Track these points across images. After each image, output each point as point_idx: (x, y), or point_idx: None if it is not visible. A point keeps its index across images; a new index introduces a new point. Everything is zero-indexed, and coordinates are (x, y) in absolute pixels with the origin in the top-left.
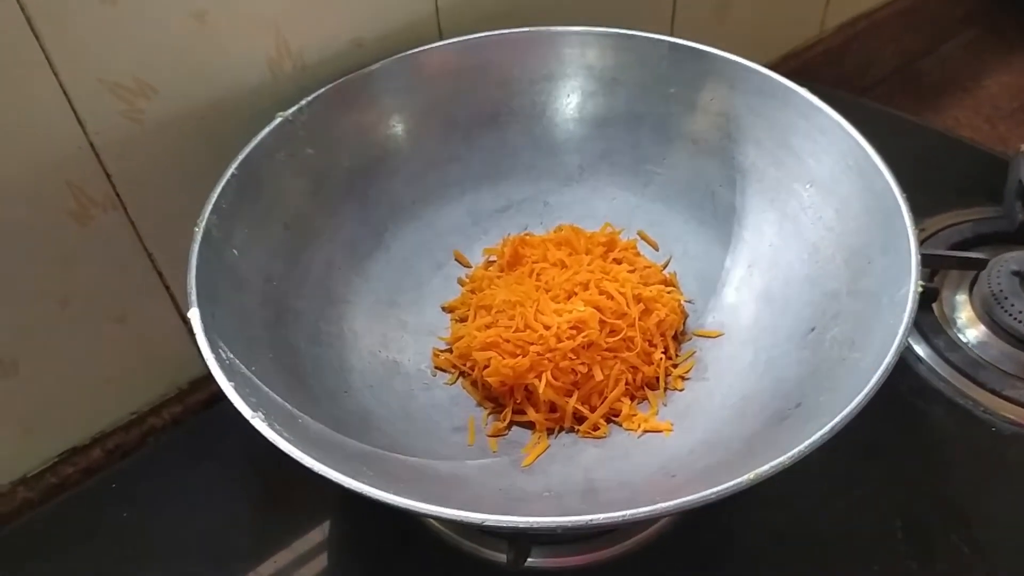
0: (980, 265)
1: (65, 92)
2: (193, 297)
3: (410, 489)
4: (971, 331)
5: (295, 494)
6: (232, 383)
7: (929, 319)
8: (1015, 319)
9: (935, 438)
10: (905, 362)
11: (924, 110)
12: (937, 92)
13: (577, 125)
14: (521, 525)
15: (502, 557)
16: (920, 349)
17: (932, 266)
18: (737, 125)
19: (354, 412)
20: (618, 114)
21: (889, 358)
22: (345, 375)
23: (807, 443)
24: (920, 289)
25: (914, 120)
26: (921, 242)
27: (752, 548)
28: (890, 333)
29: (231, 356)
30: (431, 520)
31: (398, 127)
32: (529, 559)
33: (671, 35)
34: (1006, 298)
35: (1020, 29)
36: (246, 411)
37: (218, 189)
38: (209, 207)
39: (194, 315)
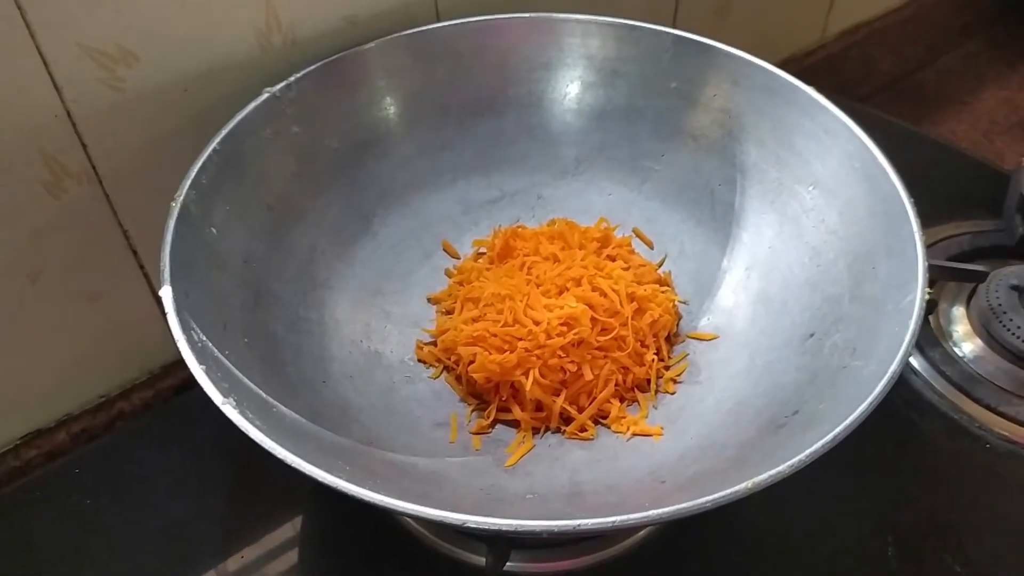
0: (980, 278)
1: (42, 56)
2: (166, 274)
3: (388, 486)
4: (967, 345)
5: (266, 488)
6: (203, 367)
7: (925, 331)
8: (1013, 334)
9: (929, 452)
10: (900, 374)
11: (922, 122)
12: (935, 104)
13: (575, 117)
14: (505, 528)
15: (481, 560)
16: (915, 361)
17: (931, 277)
18: (739, 123)
19: (333, 403)
20: (617, 107)
21: (895, 365)
22: (324, 364)
23: (808, 451)
24: (928, 296)
25: (912, 129)
26: None
27: (737, 559)
28: (895, 340)
29: (204, 339)
30: (408, 519)
31: (390, 110)
32: (508, 563)
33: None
34: (1004, 312)
35: (1018, 44)
36: (217, 397)
37: (198, 163)
38: (188, 182)
39: (166, 293)
